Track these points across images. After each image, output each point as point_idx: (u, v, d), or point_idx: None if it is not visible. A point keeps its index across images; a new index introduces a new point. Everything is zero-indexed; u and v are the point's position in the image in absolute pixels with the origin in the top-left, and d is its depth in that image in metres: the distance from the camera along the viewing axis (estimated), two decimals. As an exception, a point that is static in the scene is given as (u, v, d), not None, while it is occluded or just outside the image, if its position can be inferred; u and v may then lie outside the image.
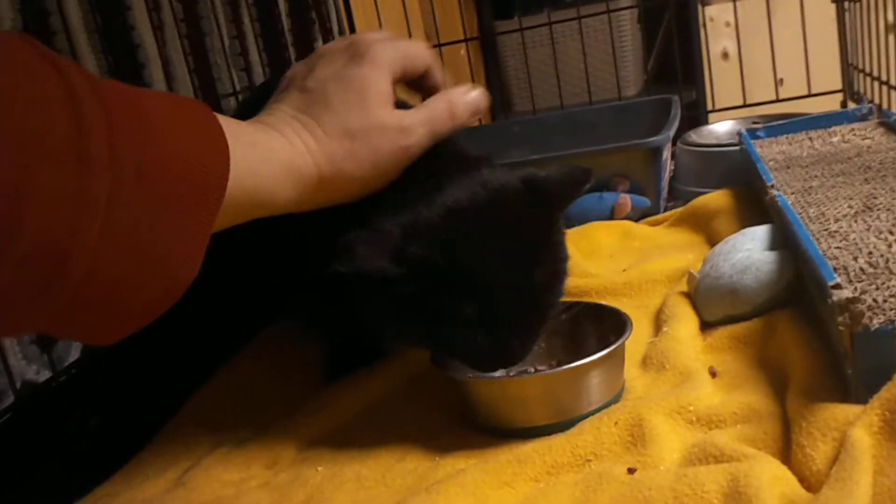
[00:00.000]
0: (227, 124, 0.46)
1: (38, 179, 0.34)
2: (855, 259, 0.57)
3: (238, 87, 1.10)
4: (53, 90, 0.36)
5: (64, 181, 0.35)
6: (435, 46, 1.43)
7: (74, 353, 0.74)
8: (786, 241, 0.68)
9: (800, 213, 0.69)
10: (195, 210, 0.42)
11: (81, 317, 0.39)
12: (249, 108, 0.78)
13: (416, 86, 0.61)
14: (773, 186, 0.76)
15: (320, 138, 0.51)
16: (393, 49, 0.56)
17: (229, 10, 1.13)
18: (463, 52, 1.85)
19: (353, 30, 1.40)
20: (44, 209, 0.34)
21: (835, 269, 0.55)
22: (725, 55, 1.86)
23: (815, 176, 0.80)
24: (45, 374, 0.71)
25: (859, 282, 0.53)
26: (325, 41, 1.34)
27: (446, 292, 0.55)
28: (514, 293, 0.56)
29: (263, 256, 0.71)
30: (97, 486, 0.65)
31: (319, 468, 0.60)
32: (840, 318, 0.49)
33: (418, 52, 0.59)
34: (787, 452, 0.49)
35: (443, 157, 0.61)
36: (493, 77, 2.15)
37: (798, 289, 0.65)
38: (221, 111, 1.06)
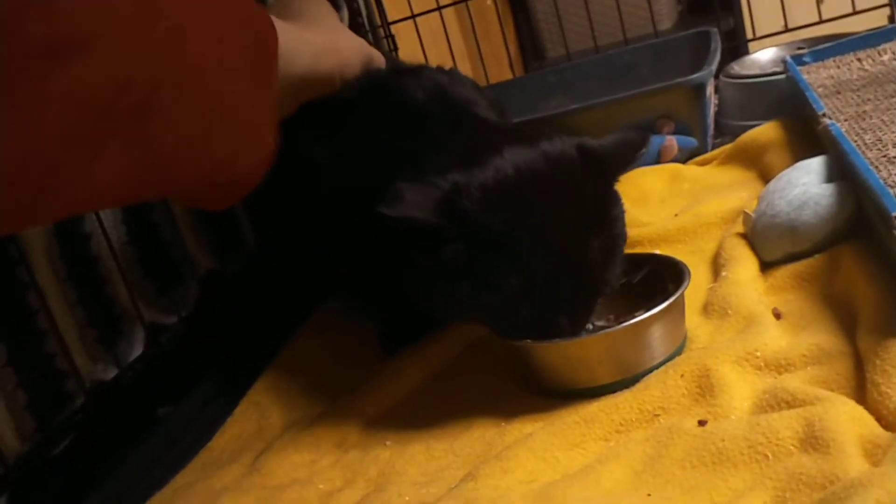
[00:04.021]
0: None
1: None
2: (918, 185, 0.55)
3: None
4: None
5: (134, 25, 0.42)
6: (461, 1, 1.39)
7: (138, 349, 0.76)
8: (843, 171, 0.66)
9: (855, 141, 0.66)
10: (261, 67, 0.52)
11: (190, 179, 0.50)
12: None
13: None
14: (824, 115, 0.73)
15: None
16: None
17: None
18: (490, 2, 1.81)
19: (381, 8, 1.36)
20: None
21: (898, 198, 0.53)
22: (761, -23, 1.78)
23: (868, 99, 0.77)
24: (113, 371, 0.73)
25: (925, 209, 0.51)
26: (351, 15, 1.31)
27: (492, 256, 0.54)
28: (564, 265, 0.55)
29: (317, 219, 0.71)
30: (174, 475, 0.66)
31: (388, 442, 0.61)
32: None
33: None
34: (861, 392, 0.48)
35: (492, 125, 0.61)
36: (523, 25, 2.12)
37: (860, 221, 0.63)
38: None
